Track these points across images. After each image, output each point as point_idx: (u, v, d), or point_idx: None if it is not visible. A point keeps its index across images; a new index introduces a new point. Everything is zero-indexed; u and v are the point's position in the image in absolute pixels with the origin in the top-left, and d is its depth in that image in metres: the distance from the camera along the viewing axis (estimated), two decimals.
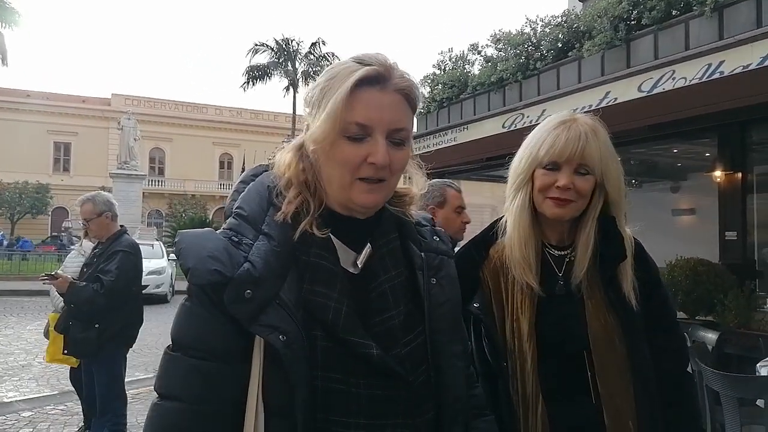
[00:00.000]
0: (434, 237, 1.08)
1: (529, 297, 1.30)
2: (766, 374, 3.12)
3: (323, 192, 0.95)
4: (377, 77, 0.90)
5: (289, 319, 0.86)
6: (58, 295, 3.93)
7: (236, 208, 0.96)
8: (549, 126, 1.31)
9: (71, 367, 4.13)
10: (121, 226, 3.88)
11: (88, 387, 3.81)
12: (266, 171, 1.03)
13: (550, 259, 1.35)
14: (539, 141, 1.31)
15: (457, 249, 1.40)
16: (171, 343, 0.91)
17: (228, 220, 0.95)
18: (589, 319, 1.27)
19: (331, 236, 0.94)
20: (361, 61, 0.92)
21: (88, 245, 4.22)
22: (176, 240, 0.92)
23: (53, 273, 3.65)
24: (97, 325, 3.53)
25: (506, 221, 1.38)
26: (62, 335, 3.71)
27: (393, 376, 0.91)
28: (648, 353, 1.30)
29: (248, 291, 0.85)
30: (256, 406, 0.87)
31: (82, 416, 4.38)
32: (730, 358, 4.46)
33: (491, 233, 1.43)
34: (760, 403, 2.97)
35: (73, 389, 4.41)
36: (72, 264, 4.23)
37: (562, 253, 1.35)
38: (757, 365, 3.43)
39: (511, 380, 1.28)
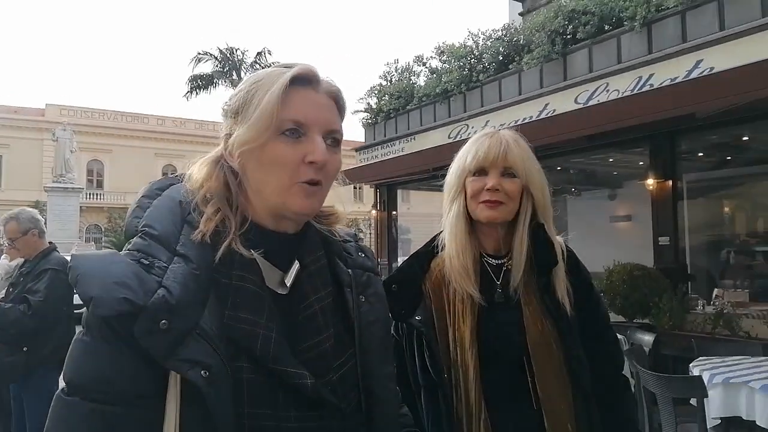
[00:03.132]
0: (360, 253, 1.02)
1: (469, 306, 1.32)
2: (698, 374, 3.26)
3: (249, 205, 0.88)
4: (309, 78, 0.87)
5: (210, 350, 0.76)
6: None
7: (144, 227, 0.84)
8: (473, 139, 1.41)
9: None
10: (50, 242, 3.67)
11: (18, 415, 3.59)
12: (173, 185, 0.93)
13: (488, 268, 1.38)
14: (466, 152, 1.39)
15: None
16: (65, 386, 0.77)
17: (134, 240, 0.84)
18: (527, 326, 1.31)
19: (255, 254, 0.86)
20: (287, 66, 0.88)
21: (2, 263, 4.00)
22: (70, 265, 0.79)
23: None
24: (25, 348, 3.31)
25: (445, 234, 1.41)
26: None
27: (326, 406, 0.84)
28: (584, 357, 1.34)
29: (164, 321, 0.74)
30: None
31: None
32: (666, 359, 4.66)
33: (432, 247, 1.45)
34: (693, 401, 3.11)
35: None
36: None
37: (500, 261, 1.39)
38: (690, 365, 3.59)
39: (454, 390, 1.29)
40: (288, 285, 0.87)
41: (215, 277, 0.82)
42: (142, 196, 0.92)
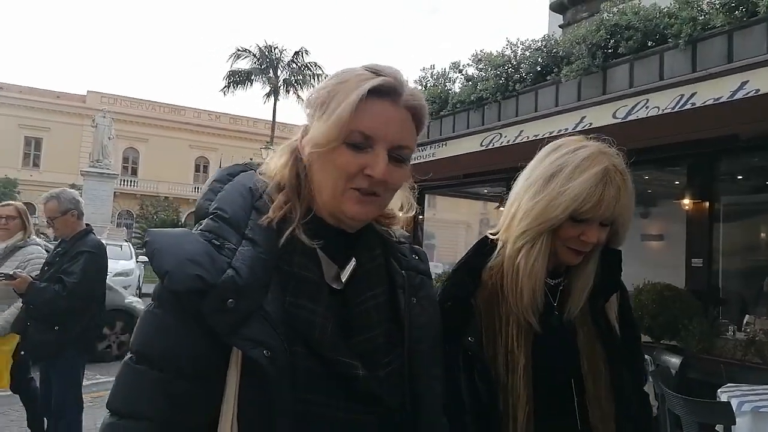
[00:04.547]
0: (413, 255, 1.04)
1: (525, 330, 1.23)
2: (726, 400, 3.18)
3: (313, 199, 0.91)
4: (390, 90, 0.87)
5: (273, 333, 0.79)
6: None
7: (216, 209, 0.88)
8: (590, 177, 1.18)
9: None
10: (87, 224, 3.74)
11: (43, 395, 3.65)
12: (244, 171, 0.97)
13: (545, 288, 1.29)
14: (581, 194, 1.18)
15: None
16: (133, 354, 0.83)
17: (205, 222, 0.88)
18: (581, 349, 1.26)
19: (315, 246, 0.88)
20: (375, 71, 0.88)
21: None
22: (147, 239, 0.84)
23: (11, 273, 3.48)
24: (56, 328, 3.39)
25: (513, 256, 1.26)
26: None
27: (374, 400, 0.86)
28: (629, 378, 1.29)
29: (231, 300, 0.78)
30: (230, 431, 0.79)
31: (24, 422, 4.15)
32: (692, 382, 4.55)
33: (481, 257, 1.33)
34: (719, 428, 3.03)
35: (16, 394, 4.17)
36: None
37: (557, 281, 1.31)
38: (718, 391, 3.50)
39: (503, 417, 1.20)
40: (343, 281, 0.90)
41: (278, 263, 0.85)
42: (214, 180, 0.96)
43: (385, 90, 0.87)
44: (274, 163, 0.93)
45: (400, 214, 1.02)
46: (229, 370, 0.80)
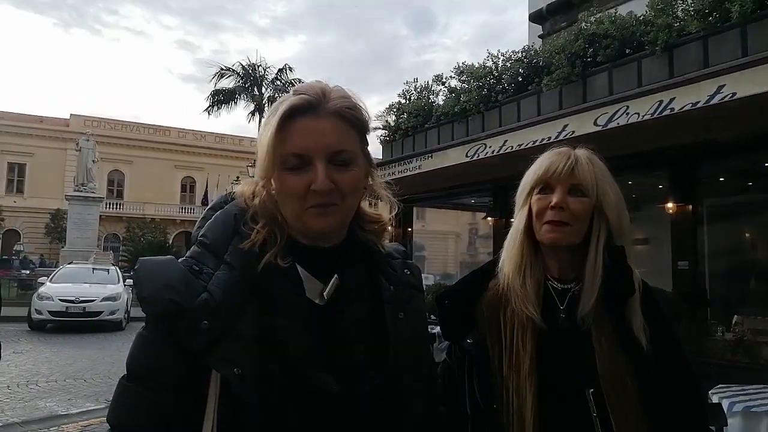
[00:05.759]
0: (405, 270, 1.06)
1: (530, 331, 1.21)
2: (716, 401, 3.21)
3: (285, 222, 0.94)
4: (306, 105, 0.89)
5: (245, 351, 0.83)
6: None
7: (200, 236, 0.94)
8: (543, 155, 1.32)
9: None
10: None
11: None
12: (236, 198, 1.01)
13: (552, 291, 1.28)
14: (534, 166, 1.31)
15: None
16: (126, 372, 0.88)
17: (191, 248, 0.94)
18: (599, 357, 1.20)
19: (297, 266, 0.92)
20: (295, 92, 0.92)
21: None
22: (135, 267, 0.90)
23: None
24: None
25: (503, 252, 1.32)
26: None
27: (352, 416, 0.87)
28: (663, 399, 1.20)
29: (205, 322, 0.82)
30: None
31: None
32: None
33: (492, 266, 1.36)
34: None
35: None
36: None
37: (566, 286, 1.28)
38: (709, 392, 3.53)
39: (506, 420, 1.19)
40: (326, 297, 0.92)
41: (258, 284, 0.88)
42: (209, 208, 1.01)
43: (302, 107, 0.89)
44: (243, 192, 0.98)
45: (387, 216, 1.04)
46: (210, 388, 0.84)
